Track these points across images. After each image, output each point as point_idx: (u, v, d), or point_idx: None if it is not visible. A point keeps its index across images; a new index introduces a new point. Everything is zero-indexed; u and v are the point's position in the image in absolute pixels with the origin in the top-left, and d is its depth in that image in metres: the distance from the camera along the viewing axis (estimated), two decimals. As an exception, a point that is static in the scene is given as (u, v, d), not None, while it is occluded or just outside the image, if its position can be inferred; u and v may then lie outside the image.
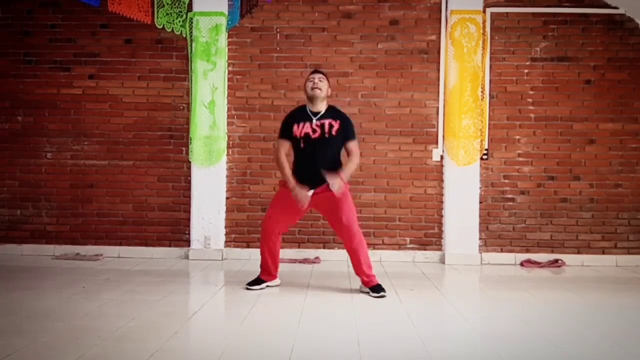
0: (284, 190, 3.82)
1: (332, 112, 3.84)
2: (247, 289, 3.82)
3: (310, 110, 3.81)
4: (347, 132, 3.81)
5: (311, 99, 3.80)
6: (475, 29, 4.98)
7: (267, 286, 3.88)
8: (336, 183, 3.61)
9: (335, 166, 3.77)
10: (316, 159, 3.73)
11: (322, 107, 3.81)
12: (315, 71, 3.92)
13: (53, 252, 5.11)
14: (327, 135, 3.75)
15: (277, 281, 3.97)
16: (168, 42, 5.14)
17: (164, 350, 2.54)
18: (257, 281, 3.88)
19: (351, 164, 3.79)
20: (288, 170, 3.81)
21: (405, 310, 3.34)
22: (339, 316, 3.21)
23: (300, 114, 3.84)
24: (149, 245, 5.14)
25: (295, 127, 3.78)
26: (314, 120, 3.77)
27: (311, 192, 3.72)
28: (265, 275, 3.90)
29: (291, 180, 3.75)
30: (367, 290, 3.77)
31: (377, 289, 3.72)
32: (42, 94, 5.19)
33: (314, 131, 3.76)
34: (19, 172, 5.20)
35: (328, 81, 3.87)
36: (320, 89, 3.77)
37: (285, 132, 3.85)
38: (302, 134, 3.76)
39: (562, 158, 5.10)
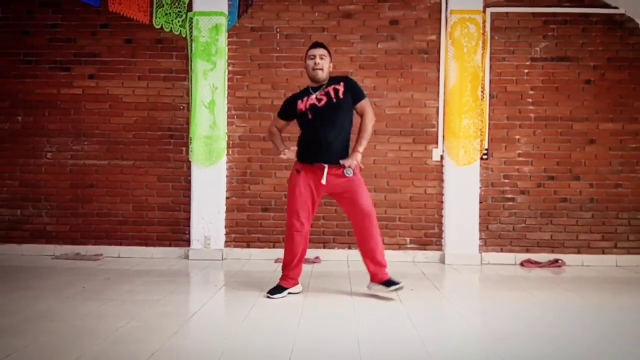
0: (292, 181, 3.63)
1: (333, 79, 3.64)
2: (268, 297, 3.56)
3: (312, 87, 3.65)
4: (354, 91, 3.61)
5: (313, 79, 3.62)
6: (475, 29, 4.98)
7: (289, 293, 3.65)
8: (353, 161, 3.51)
9: (346, 139, 3.59)
10: (326, 128, 3.52)
11: (324, 82, 3.62)
12: (316, 45, 3.66)
13: (53, 252, 5.11)
14: (334, 100, 3.54)
15: (299, 287, 3.74)
16: (168, 42, 5.14)
17: (164, 350, 2.54)
18: (278, 289, 3.63)
19: (365, 131, 3.59)
20: (278, 139, 3.78)
21: (405, 310, 3.33)
22: (339, 316, 3.21)
23: (303, 92, 3.70)
24: (149, 245, 5.14)
25: (299, 102, 3.62)
26: (317, 93, 3.59)
27: (326, 169, 3.51)
28: (286, 280, 3.66)
29: (281, 146, 3.73)
30: (378, 288, 3.59)
31: (390, 283, 3.56)
32: (42, 94, 5.19)
33: (320, 100, 3.56)
34: (19, 172, 5.20)
35: (330, 56, 3.66)
36: (322, 69, 3.57)
37: (284, 111, 3.76)
38: (308, 106, 3.57)
39: (562, 158, 5.10)
